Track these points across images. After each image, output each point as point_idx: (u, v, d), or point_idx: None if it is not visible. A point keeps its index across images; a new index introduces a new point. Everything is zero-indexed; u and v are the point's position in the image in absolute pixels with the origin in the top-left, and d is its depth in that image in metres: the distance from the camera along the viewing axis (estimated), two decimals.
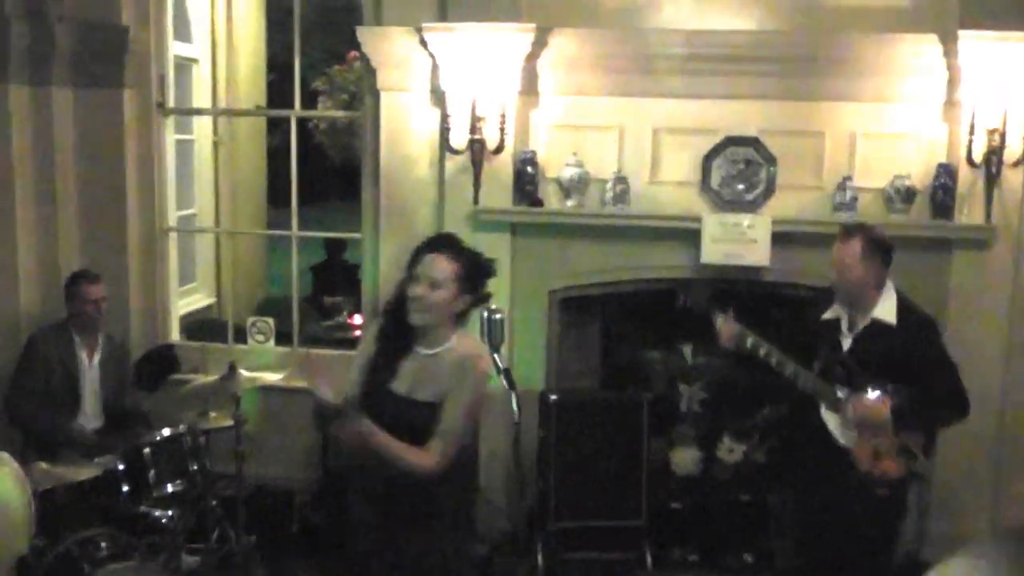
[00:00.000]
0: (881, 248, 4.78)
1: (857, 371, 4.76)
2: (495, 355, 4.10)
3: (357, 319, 7.93)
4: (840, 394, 4.79)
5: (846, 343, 4.84)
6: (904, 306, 4.81)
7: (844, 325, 4.85)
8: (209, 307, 9.64)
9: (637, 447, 6.12)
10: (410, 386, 3.91)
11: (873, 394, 4.71)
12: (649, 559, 6.06)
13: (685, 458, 6.54)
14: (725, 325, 5.00)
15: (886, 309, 4.78)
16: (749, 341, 4.90)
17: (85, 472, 5.32)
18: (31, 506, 3.78)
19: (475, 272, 3.96)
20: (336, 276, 10.74)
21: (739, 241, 6.08)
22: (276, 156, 11.29)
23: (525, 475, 5.93)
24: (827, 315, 4.92)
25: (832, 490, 4.85)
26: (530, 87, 6.33)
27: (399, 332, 3.95)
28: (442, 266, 3.83)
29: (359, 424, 3.72)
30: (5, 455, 3.82)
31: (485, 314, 4.14)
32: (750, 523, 6.48)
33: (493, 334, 4.15)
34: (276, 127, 12.40)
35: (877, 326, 4.77)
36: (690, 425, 6.61)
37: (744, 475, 6.54)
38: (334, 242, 10.10)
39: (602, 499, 6.12)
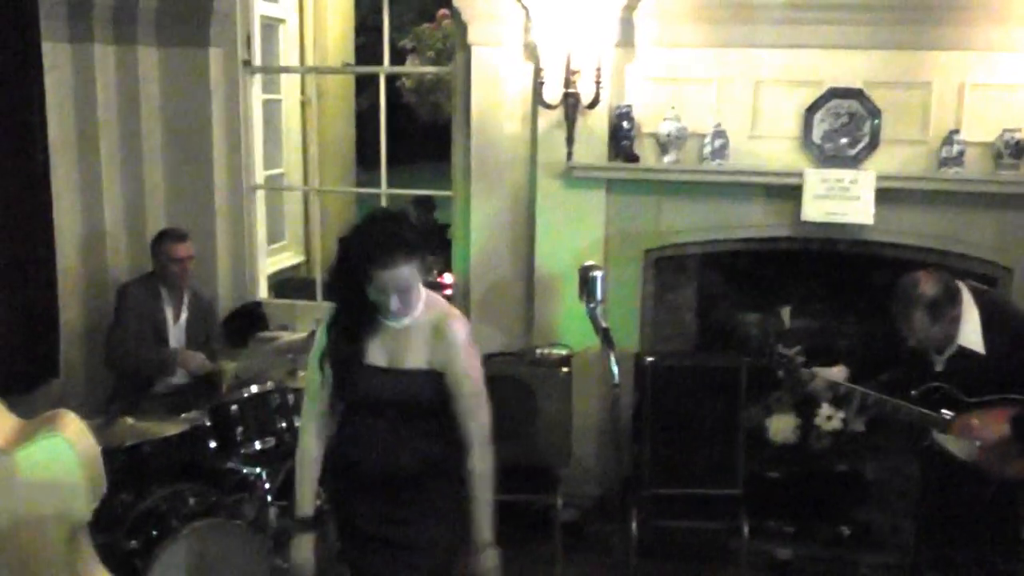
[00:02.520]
0: (945, 303, 4.43)
1: (957, 392, 4.54)
2: (595, 313, 3.96)
3: (447, 278, 7.82)
4: (947, 416, 4.56)
5: (939, 364, 4.60)
6: (991, 321, 4.50)
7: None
8: (297, 266, 9.65)
9: (734, 414, 5.90)
10: (390, 359, 3.77)
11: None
12: (746, 529, 5.86)
13: (782, 425, 6.36)
14: (817, 383, 4.82)
15: (970, 336, 4.49)
16: (842, 389, 4.74)
17: (171, 428, 5.26)
18: (98, 464, 3.68)
19: (428, 248, 3.89)
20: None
21: (841, 198, 5.88)
22: (365, 119, 11.23)
23: (622, 440, 5.78)
24: None
25: (961, 503, 4.67)
26: (627, 39, 6.14)
27: (360, 310, 3.76)
28: (405, 271, 3.62)
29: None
30: (69, 415, 3.73)
31: (583, 272, 3.98)
32: (848, 495, 6.29)
33: (592, 292, 4.00)
34: (364, 90, 12.34)
35: (966, 352, 4.50)
36: (787, 391, 6.40)
37: (842, 444, 6.35)
38: (423, 203, 9.97)
39: (698, 466, 5.90)
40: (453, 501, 3.88)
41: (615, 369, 3.99)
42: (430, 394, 3.74)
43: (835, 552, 6.07)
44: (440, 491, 3.85)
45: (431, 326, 3.77)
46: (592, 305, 3.94)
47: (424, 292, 3.82)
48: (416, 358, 3.74)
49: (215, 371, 6.22)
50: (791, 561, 6.00)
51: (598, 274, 3.96)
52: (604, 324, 3.97)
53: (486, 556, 3.74)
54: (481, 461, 3.76)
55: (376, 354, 3.77)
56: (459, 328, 3.80)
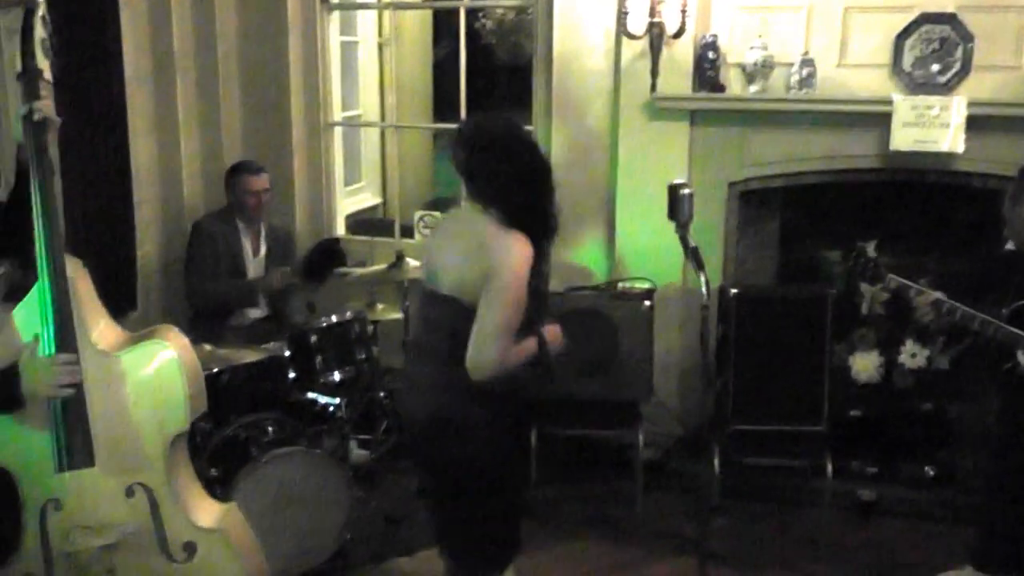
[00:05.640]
0: None
1: None
2: (684, 232, 3.87)
3: None
4: None
5: None
6: None
7: None
8: (375, 207, 9.64)
9: (820, 348, 5.77)
10: None
11: None
12: (830, 468, 5.72)
13: (865, 363, 6.23)
14: (892, 283, 4.67)
15: None
16: (945, 307, 4.57)
17: (250, 355, 5.25)
18: (199, 378, 3.74)
19: None
20: None
21: (931, 126, 5.72)
22: (442, 68, 11.13)
23: (711, 367, 5.67)
24: (1009, 246, 4.55)
25: None
26: None
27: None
28: None
29: None
30: (173, 329, 3.79)
31: (673, 190, 3.88)
32: (932, 434, 6.18)
33: (680, 210, 3.89)
34: (442, 38, 12.23)
35: None
36: (871, 328, 6.28)
37: (926, 382, 6.21)
38: None
39: (782, 402, 5.79)
40: None
41: (704, 289, 3.87)
42: None
43: (919, 493, 5.94)
44: None
45: None
46: (681, 224, 3.84)
47: None
48: None
49: (297, 285, 6.24)
50: (875, 502, 5.89)
51: (687, 192, 3.85)
52: (693, 243, 3.86)
53: None
54: None
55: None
56: None
